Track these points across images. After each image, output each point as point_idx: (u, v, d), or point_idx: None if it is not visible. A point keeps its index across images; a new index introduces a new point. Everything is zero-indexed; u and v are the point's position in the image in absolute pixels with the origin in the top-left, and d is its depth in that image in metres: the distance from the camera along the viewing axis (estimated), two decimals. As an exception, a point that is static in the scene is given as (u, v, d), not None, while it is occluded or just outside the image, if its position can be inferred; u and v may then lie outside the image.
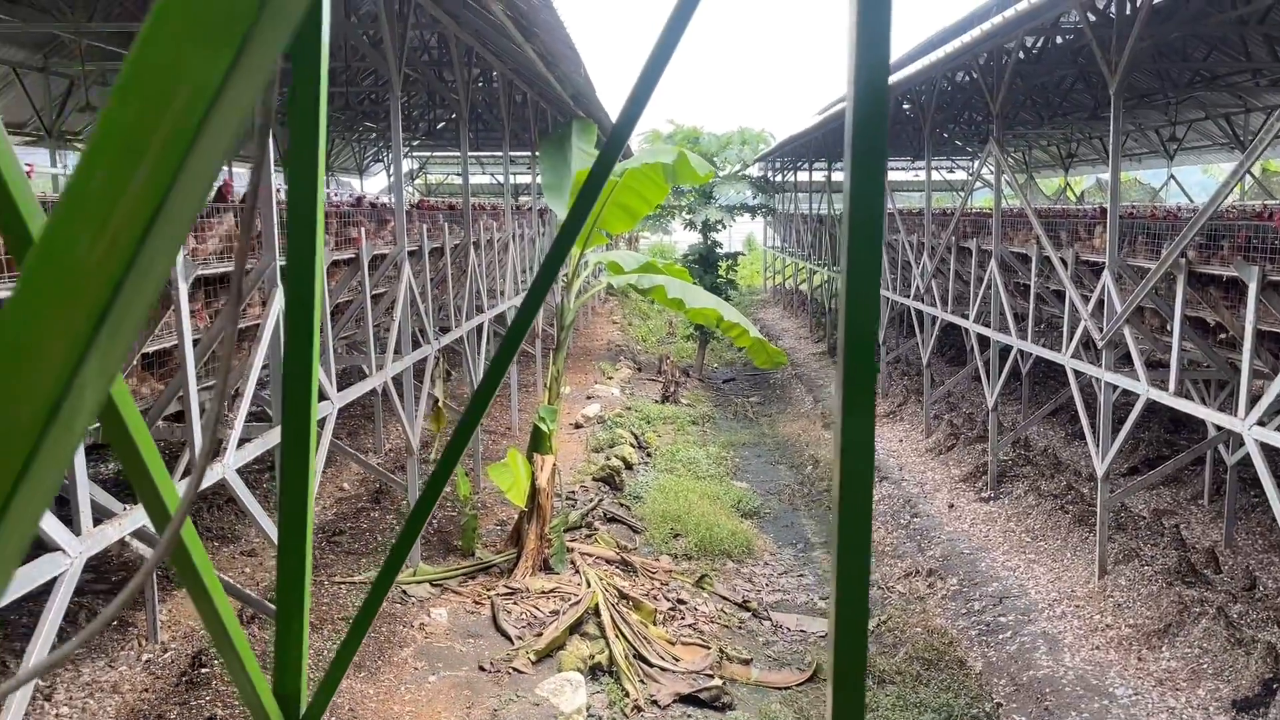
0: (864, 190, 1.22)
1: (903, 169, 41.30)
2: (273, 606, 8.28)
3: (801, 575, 15.18)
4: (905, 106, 26.25)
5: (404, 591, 12.19)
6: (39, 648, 5.12)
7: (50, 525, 5.21)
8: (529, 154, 26.07)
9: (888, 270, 24.93)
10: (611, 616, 11.56)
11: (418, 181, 43.48)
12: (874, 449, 1.50)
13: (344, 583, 12.44)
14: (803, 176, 39.89)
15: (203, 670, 9.90)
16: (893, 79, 16.13)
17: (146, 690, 9.92)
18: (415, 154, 39.95)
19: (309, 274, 1.81)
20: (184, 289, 6.80)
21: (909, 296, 23.46)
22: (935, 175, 28.86)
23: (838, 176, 34.08)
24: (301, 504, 2.25)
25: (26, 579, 5.09)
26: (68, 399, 0.54)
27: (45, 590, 5.40)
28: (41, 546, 5.36)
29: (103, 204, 0.53)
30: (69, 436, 0.56)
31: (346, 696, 9.86)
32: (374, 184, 40.49)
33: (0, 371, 0.53)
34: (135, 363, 7.72)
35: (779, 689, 11.34)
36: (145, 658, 10.52)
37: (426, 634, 11.15)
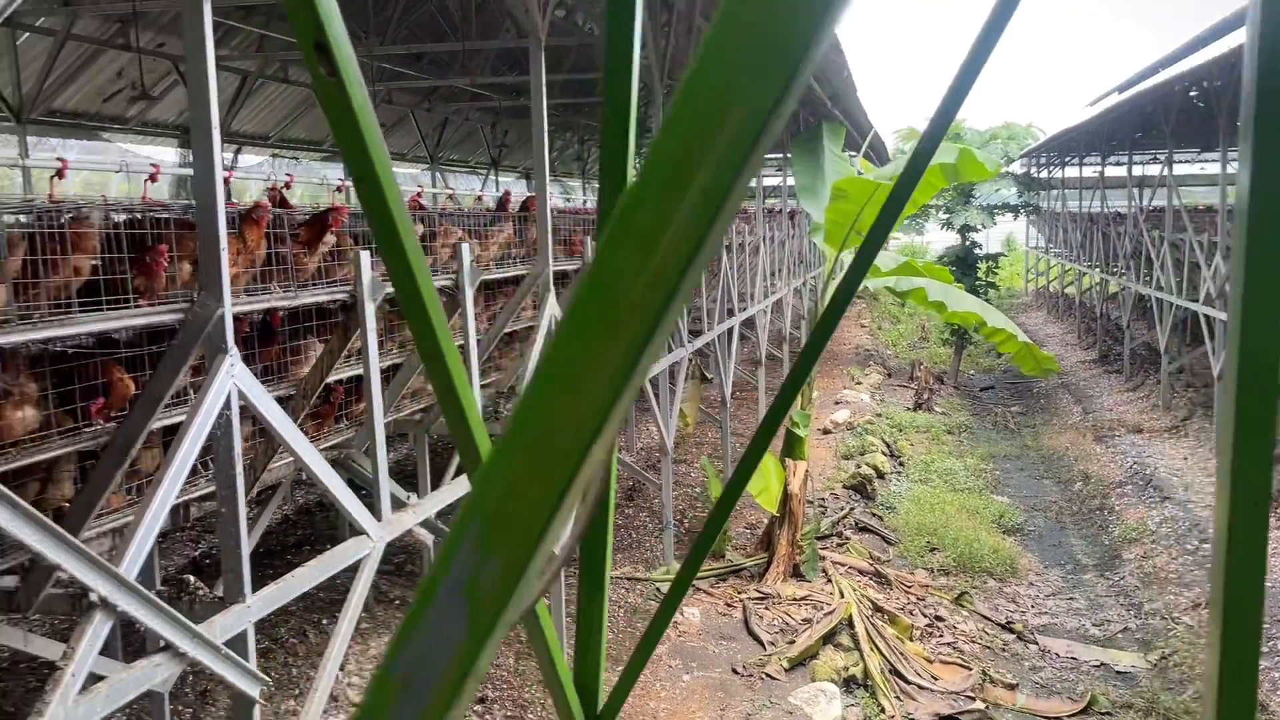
0: (1273, 174, 1.07)
1: (1188, 161, 37.81)
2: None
3: (1071, 598, 14.19)
4: (1193, 93, 24.01)
5: (657, 589, 12.44)
6: (345, 625, 5.60)
7: (357, 511, 5.69)
8: (779, 155, 25.97)
9: (1172, 272, 22.89)
10: (866, 629, 11.27)
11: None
12: (1270, 484, 1.33)
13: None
14: (1070, 172, 37.39)
15: (474, 652, 10.52)
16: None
17: (425, 666, 10.68)
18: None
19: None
20: (470, 293, 7.24)
21: (1197, 301, 21.44)
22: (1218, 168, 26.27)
23: (1112, 171, 31.68)
24: (610, 498, 2.30)
25: (339, 559, 5.59)
26: (604, 427, 0.55)
27: (349, 571, 5.91)
28: (349, 530, 5.88)
29: (649, 237, 0.53)
30: (595, 464, 0.57)
31: (605, 688, 10.17)
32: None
33: (551, 401, 0.54)
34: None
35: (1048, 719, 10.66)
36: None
37: (680, 632, 11.32)
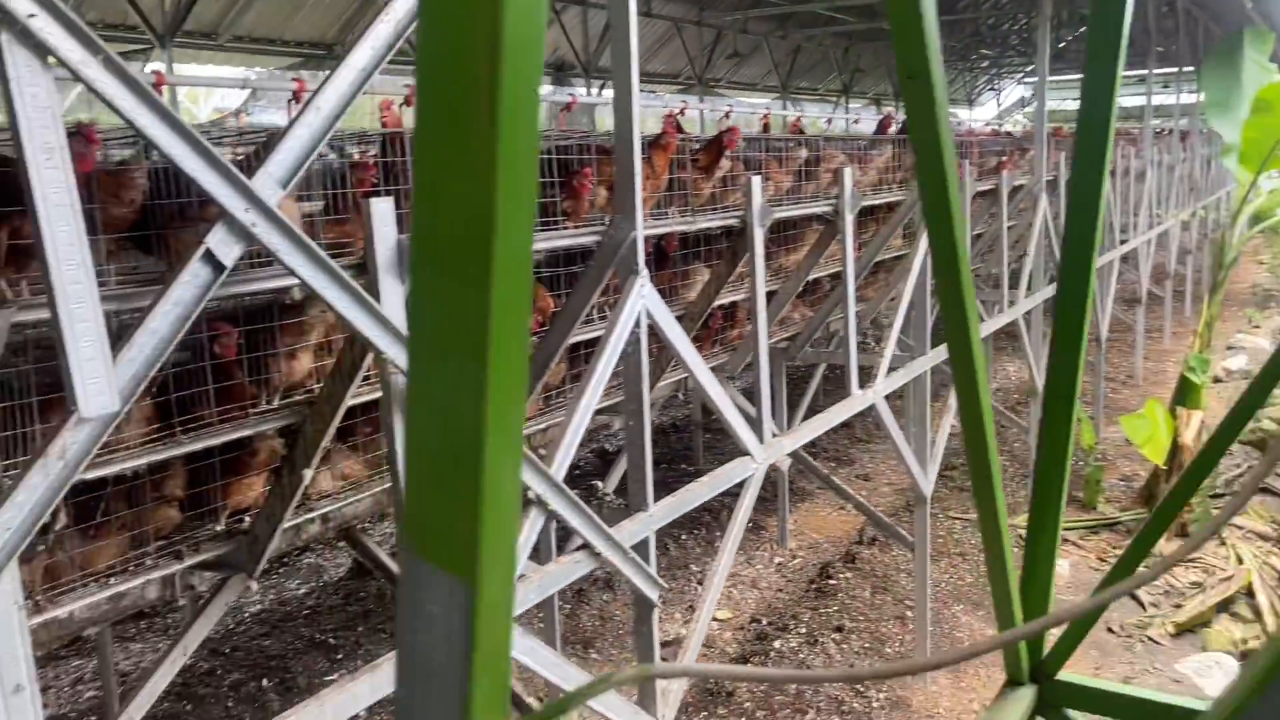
0: None
1: None
2: (904, 533, 8.42)
3: None
4: None
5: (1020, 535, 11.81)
6: (730, 542, 5.76)
7: (744, 433, 5.80)
8: (1172, 70, 23.15)
9: None
10: (1271, 601, 10.03)
11: (1028, 110, 41.25)
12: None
13: (959, 519, 12.41)
14: None
15: (830, 581, 10.58)
16: None
17: (780, 590, 10.89)
18: (1027, 80, 37.88)
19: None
20: (850, 219, 7.09)
21: None
22: None
23: None
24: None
25: (725, 479, 5.75)
26: None
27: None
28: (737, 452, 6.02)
29: None
30: None
31: (947, 626, 9.86)
32: (981, 114, 39.19)
33: None
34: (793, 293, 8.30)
35: None
36: (777, 560, 11.54)
37: (1047, 584, 10.69)
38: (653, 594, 5.07)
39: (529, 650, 4.28)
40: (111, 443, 3.49)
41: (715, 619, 10.00)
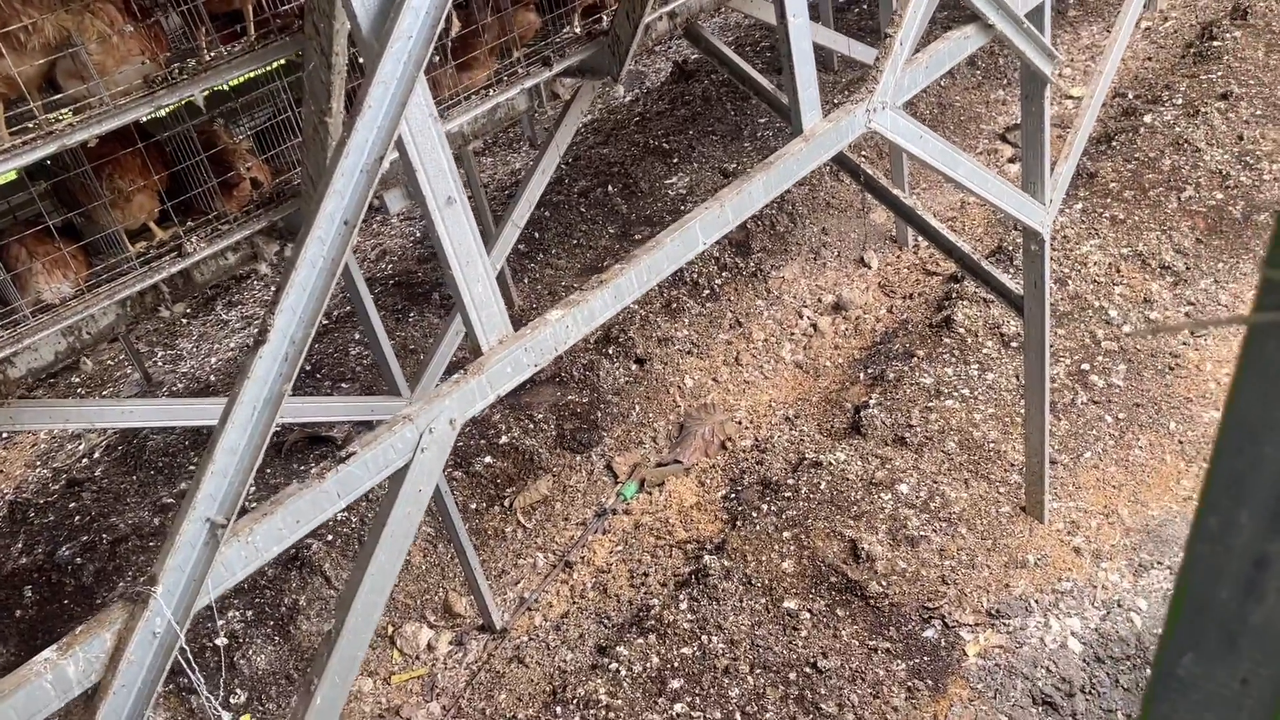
0: None
1: None
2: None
3: None
4: None
5: None
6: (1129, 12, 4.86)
7: None
8: None
9: None
10: None
11: None
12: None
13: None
14: None
15: (1213, 44, 9.13)
16: None
17: (1150, 59, 9.60)
18: None
19: None
20: None
21: None
22: None
23: None
24: None
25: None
26: None
27: None
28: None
29: None
30: None
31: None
32: None
33: None
34: None
35: None
36: (1145, 26, 10.06)
37: None
38: (1046, 67, 4.45)
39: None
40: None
41: (1069, 97, 9.08)
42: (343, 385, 7.84)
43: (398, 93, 2.47)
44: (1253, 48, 8.89)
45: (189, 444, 7.52)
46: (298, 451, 7.15)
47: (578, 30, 4.19)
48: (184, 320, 9.31)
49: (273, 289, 9.50)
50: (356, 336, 8.22)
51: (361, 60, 2.81)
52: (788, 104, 3.70)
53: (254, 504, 2.69)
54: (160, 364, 8.78)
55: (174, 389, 8.35)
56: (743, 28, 11.92)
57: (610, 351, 7.51)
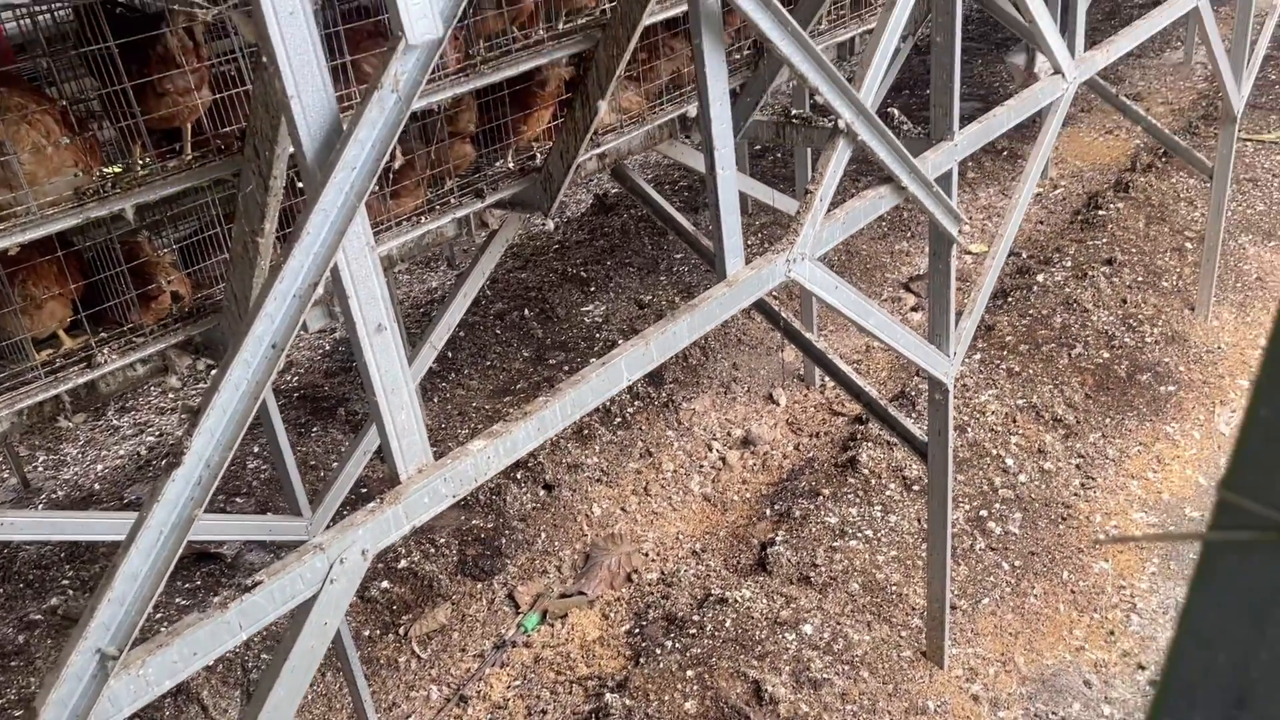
0: None
1: None
2: (1203, 158, 7.46)
3: None
4: None
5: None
6: (1032, 170, 5.23)
7: (1057, 48, 5.05)
8: None
9: None
10: None
11: None
12: None
13: (1249, 139, 11.03)
14: None
15: (1098, 212, 9.81)
16: None
17: (1041, 223, 10.24)
18: None
19: None
20: None
21: None
22: None
23: None
24: None
25: (1031, 103, 5.10)
26: None
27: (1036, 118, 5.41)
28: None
29: None
30: None
31: (1233, 259, 9.06)
32: None
33: None
34: None
35: None
36: (1037, 191, 10.77)
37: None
38: (953, 228, 4.72)
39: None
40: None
41: (968, 253, 9.59)
42: (237, 499, 7.56)
43: (337, 221, 2.48)
44: (1134, 218, 9.58)
45: (64, 556, 7.10)
46: (182, 569, 6.81)
47: (511, 165, 4.30)
48: (70, 424, 8.91)
49: (169, 396, 9.18)
50: (255, 450, 7.97)
51: (301, 184, 2.82)
52: (709, 246, 3.83)
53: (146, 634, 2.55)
54: (41, 469, 8.33)
55: (53, 497, 7.92)
56: (661, 166, 12.34)
57: (518, 476, 7.44)
